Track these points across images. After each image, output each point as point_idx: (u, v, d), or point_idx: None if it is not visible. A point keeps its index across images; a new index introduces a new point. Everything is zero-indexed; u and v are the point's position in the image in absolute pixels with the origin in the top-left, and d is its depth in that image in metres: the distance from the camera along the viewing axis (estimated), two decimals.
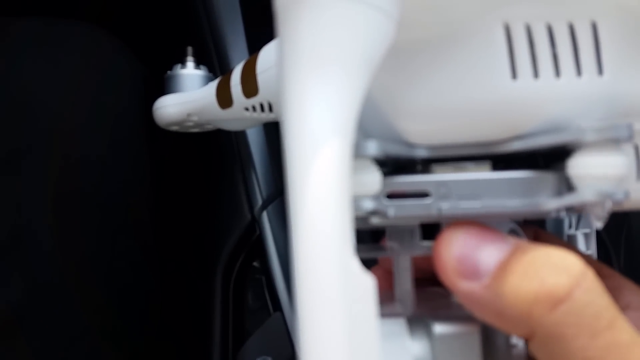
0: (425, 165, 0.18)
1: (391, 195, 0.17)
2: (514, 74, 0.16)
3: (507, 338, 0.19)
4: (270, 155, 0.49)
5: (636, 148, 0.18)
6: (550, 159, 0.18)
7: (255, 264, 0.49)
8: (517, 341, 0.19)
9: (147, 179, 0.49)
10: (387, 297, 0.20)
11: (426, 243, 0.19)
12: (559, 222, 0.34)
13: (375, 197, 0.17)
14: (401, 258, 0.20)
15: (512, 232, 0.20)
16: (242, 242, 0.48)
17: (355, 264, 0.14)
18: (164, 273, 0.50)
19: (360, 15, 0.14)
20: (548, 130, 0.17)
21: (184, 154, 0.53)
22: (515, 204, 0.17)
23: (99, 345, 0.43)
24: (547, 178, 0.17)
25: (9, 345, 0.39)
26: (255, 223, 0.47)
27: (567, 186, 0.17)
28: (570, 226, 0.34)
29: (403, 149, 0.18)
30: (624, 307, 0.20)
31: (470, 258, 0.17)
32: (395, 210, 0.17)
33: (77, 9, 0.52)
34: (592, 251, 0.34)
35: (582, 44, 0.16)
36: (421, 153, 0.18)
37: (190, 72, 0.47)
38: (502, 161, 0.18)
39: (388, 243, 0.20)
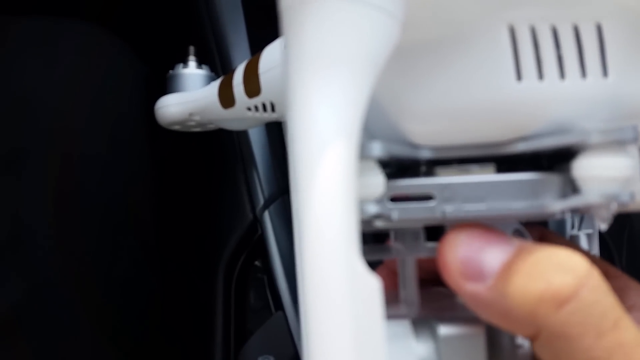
0: (429, 167, 0.18)
1: (395, 198, 0.17)
2: (518, 76, 0.16)
3: (512, 338, 0.19)
4: (272, 155, 0.49)
5: None
6: (554, 160, 0.18)
7: (257, 263, 0.49)
8: (523, 342, 0.19)
9: (148, 178, 0.49)
10: (392, 298, 0.20)
11: (431, 244, 0.19)
12: (561, 223, 0.33)
13: (379, 201, 0.17)
14: (406, 259, 0.20)
15: (517, 233, 0.20)
16: (244, 242, 0.48)
17: (361, 265, 0.14)
18: (165, 272, 0.50)
19: (365, 17, 0.14)
20: (553, 132, 0.17)
21: (185, 154, 0.53)
22: (520, 206, 0.17)
23: (100, 345, 0.43)
24: (551, 180, 0.17)
25: (8, 344, 0.39)
26: (257, 222, 0.47)
27: (572, 188, 0.17)
28: (572, 227, 0.34)
29: (407, 150, 0.18)
30: (629, 308, 0.20)
31: (475, 260, 0.17)
32: (399, 213, 0.17)
33: (78, 8, 0.52)
34: (595, 252, 0.34)
35: (587, 46, 0.16)
36: (425, 154, 0.18)
37: (192, 72, 0.47)
38: (506, 162, 0.18)
39: (393, 244, 0.20)
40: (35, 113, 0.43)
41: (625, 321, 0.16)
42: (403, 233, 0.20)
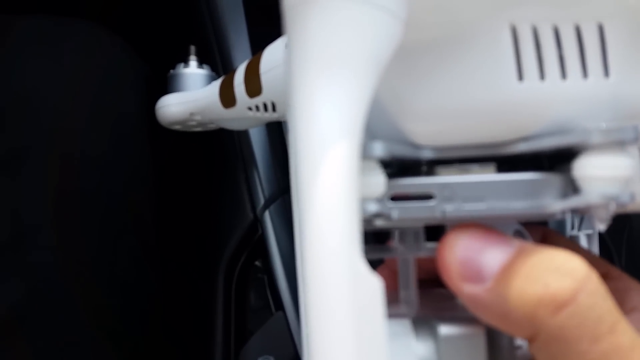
0: (429, 167, 0.18)
1: (395, 198, 0.17)
2: (520, 76, 0.16)
3: (511, 339, 0.19)
4: (273, 155, 0.49)
5: None
6: (555, 160, 0.18)
7: (257, 263, 0.49)
8: (522, 342, 0.19)
9: (149, 178, 0.49)
10: (392, 297, 0.20)
11: (431, 244, 0.19)
12: (561, 223, 0.34)
13: (379, 200, 0.17)
14: (406, 259, 0.20)
15: (517, 233, 0.20)
16: (244, 242, 0.48)
17: (362, 265, 0.14)
18: (165, 272, 0.50)
19: (368, 17, 0.14)
20: (554, 132, 0.17)
21: (186, 153, 0.53)
22: (520, 206, 0.17)
23: (100, 345, 0.43)
24: (552, 180, 0.17)
25: (8, 344, 0.39)
26: (258, 222, 0.47)
27: (572, 188, 0.17)
28: (572, 227, 0.34)
29: (408, 150, 0.18)
30: (630, 309, 0.20)
31: (474, 261, 0.17)
32: (399, 212, 0.17)
33: (79, 7, 0.52)
34: (595, 252, 0.34)
35: (589, 46, 0.16)
36: (427, 154, 0.18)
37: (193, 71, 0.47)
38: (507, 163, 0.18)
39: (393, 244, 0.20)
40: (36, 112, 0.43)
41: (622, 325, 0.16)
42: (403, 233, 0.20)
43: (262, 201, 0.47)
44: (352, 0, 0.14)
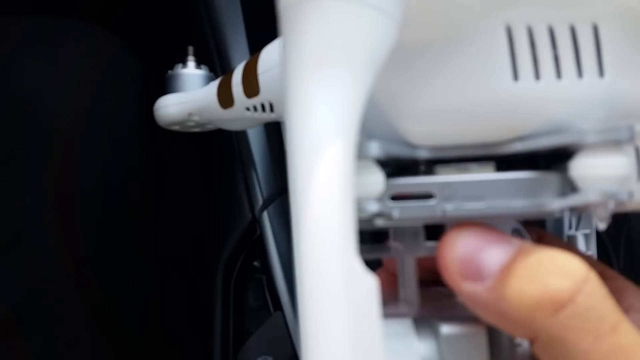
0: (428, 166, 0.18)
1: (395, 197, 0.17)
2: (515, 76, 0.16)
3: (511, 337, 0.19)
4: (271, 155, 0.49)
5: (637, 149, 0.18)
6: (551, 160, 0.18)
7: (255, 263, 0.49)
8: (522, 340, 0.19)
9: (147, 178, 0.49)
10: (391, 297, 0.20)
11: (430, 243, 0.19)
12: (558, 223, 0.34)
13: (380, 199, 0.17)
14: (405, 259, 0.20)
15: (516, 232, 0.20)
16: (243, 242, 0.48)
17: (358, 264, 0.14)
18: (164, 272, 0.50)
19: (363, 17, 0.14)
20: (549, 132, 0.17)
21: (184, 154, 0.53)
22: (520, 205, 0.17)
23: (99, 344, 0.43)
24: (550, 178, 0.17)
25: (8, 344, 0.39)
26: (256, 223, 0.47)
27: (571, 186, 0.17)
28: (570, 227, 0.34)
29: (405, 149, 0.18)
30: (626, 309, 0.20)
31: (474, 260, 0.17)
32: (400, 212, 0.17)
33: (77, 8, 0.52)
34: (592, 252, 0.34)
35: (583, 46, 0.16)
36: (423, 154, 0.18)
37: (191, 72, 0.47)
38: (503, 162, 0.18)
39: (392, 244, 0.20)
40: (35, 113, 0.43)
41: (624, 324, 0.16)
42: (402, 232, 0.20)
43: (260, 201, 0.47)
44: (347, 0, 0.14)
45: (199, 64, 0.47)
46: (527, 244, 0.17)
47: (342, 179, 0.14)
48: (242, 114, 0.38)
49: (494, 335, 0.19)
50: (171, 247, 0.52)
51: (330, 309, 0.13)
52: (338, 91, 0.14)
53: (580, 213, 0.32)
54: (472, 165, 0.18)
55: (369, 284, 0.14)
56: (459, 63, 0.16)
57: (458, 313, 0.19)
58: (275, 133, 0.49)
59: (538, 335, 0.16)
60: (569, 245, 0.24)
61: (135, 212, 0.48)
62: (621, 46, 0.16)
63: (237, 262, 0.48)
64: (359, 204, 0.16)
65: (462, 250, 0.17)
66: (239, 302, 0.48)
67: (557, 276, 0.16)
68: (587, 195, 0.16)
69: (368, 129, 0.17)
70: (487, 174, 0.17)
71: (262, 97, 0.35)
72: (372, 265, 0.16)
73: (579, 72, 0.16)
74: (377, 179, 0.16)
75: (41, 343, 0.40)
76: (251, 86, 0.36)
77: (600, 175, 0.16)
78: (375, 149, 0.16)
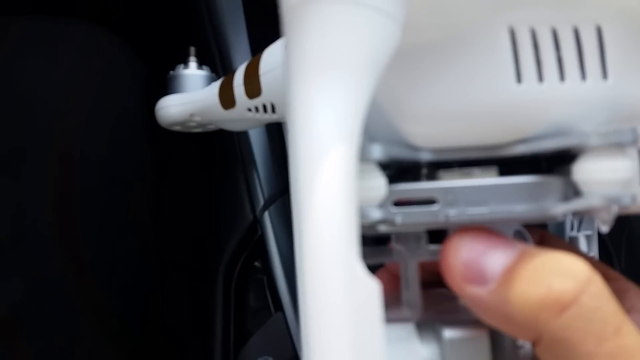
0: (430, 170, 0.18)
1: (398, 203, 0.17)
2: (518, 78, 0.16)
3: (513, 339, 0.19)
4: (273, 156, 0.49)
5: None
6: (554, 162, 0.18)
7: (256, 264, 0.49)
8: (524, 342, 0.19)
9: (148, 179, 0.49)
10: (394, 301, 0.20)
11: (433, 247, 0.19)
12: (560, 225, 0.34)
13: (382, 205, 0.17)
14: (408, 263, 0.20)
15: (518, 234, 0.20)
16: (244, 243, 0.48)
17: (360, 268, 0.14)
18: (165, 273, 0.50)
19: (366, 19, 0.14)
20: (552, 134, 0.17)
21: (186, 154, 0.53)
22: (523, 209, 0.17)
23: (99, 345, 0.43)
24: (553, 182, 0.17)
25: (8, 344, 0.39)
26: (257, 223, 0.47)
27: (573, 190, 0.17)
28: (572, 228, 0.34)
29: (407, 152, 0.18)
30: (628, 310, 0.20)
31: (477, 263, 0.17)
32: (402, 217, 0.17)
33: (78, 8, 0.52)
34: (594, 253, 0.34)
35: (587, 48, 0.16)
36: (425, 156, 0.18)
37: (192, 73, 0.47)
38: (505, 165, 0.18)
39: (395, 247, 0.20)
40: (35, 113, 0.43)
41: (627, 326, 0.16)
42: (405, 236, 0.20)
43: (261, 202, 0.47)
44: (350, 3, 0.14)
45: (200, 64, 0.47)
46: (530, 247, 0.17)
47: (344, 182, 0.13)
48: (243, 114, 0.38)
49: (496, 338, 0.19)
50: (172, 248, 0.52)
51: (332, 313, 0.13)
52: (341, 94, 0.14)
53: (583, 216, 0.32)
54: (475, 170, 0.18)
55: (371, 288, 0.14)
56: (462, 65, 0.16)
57: (461, 316, 0.19)
58: (276, 134, 0.49)
59: (541, 337, 0.16)
60: (572, 247, 0.24)
61: (136, 212, 0.48)
62: (624, 48, 0.16)
63: (238, 262, 0.48)
64: (362, 210, 0.16)
65: (464, 254, 0.17)
66: (239, 302, 0.48)
67: (561, 278, 0.16)
68: (590, 200, 0.16)
69: (370, 131, 0.17)
70: (490, 179, 0.17)
71: (264, 98, 0.35)
72: (374, 265, 0.16)
73: (582, 74, 0.16)
74: (379, 184, 0.16)
75: (41, 343, 0.40)
76: (253, 87, 0.36)
77: (603, 179, 0.16)
78: (377, 151, 0.16)
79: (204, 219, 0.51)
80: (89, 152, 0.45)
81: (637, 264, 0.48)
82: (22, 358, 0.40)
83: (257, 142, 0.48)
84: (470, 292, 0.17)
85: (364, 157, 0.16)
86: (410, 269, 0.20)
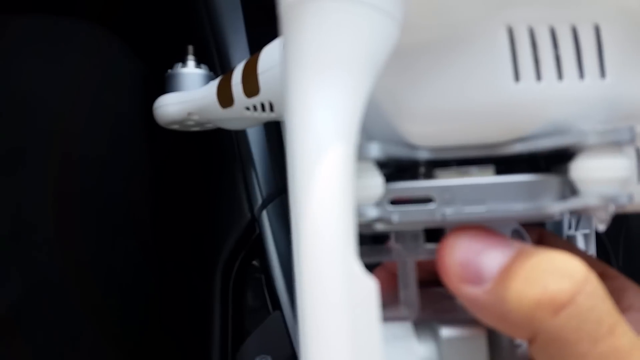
0: (428, 169, 0.18)
1: (395, 201, 0.17)
2: (516, 77, 0.16)
3: (511, 339, 0.19)
4: (271, 155, 0.49)
5: (637, 151, 0.18)
6: (552, 161, 0.18)
7: (254, 262, 0.49)
8: (521, 341, 0.19)
9: (147, 177, 0.49)
10: (391, 299, 0.20)
11: (430, 246, 0.19)
12: (558, 223, 0.34)
13: (379, 204, 0.17)
14: (406, 262, 0.20)
15: (516, 233, 0.20)
16: (242, 241, 0.48)
17: (357, 266, 0.14)
18: (163, 272, 0.50)
19: (364, 18, 0.14)
20: (550, 133, 0.17)
21: (184, 153, 0.53)
22: (520, 208, 0.17)
23: (98, 343, 0.43)
24: (550, 181, 0.17)
25: (7, 343, 0.39)
26: (255, 222, 0.47)
27: (571, 189, 0.17)
28: (569, 227, 0.34)
29: (405, 150, 0.18)
30: (626, 309, 0.20)
31: (473, 263, 0.17)
32: (399, 216, 0.17)
33: (77, 8, 0.52)
34: (592, 252, 0.34)
35: (585, 47, 0.16)
36: (423, 155, 0.18)
37: (191, 71, 0.47)
38: (504, 163, 0.18)
39: (392, 246, 0.20)
40: (34, 112, 0.43)
41: (622, 327, 0.16)
42: (402, 234, 0.20)
43: (259, 201, 0.47)
44: (348, 1, 0.14)
45: (198, 63, 0.47)
46: (527, 246, 0.17)
47: (342, 181, 0.13)
48: (241, 113, 0.38)
49: (493, 337, 0.19)
50: (170, 246, 0.52)
51: (329, 312, 0.13)
52: (338, 93, 0.14)
53: (581, 215, 0.32)
54: (472, 169, 0.18)
55: (369, 286, 0.14)
56: (460, 64, 0.16)
57: (458, 315, 0.19)
58: (274, 132, 0.49)
59: (536, 337, 0.16)
60: (570, 245, 0.24)
61: (135, 211, 0.48)
62: (622, 47, 0.16)
63: (236, 261, 0.48)
64: (359, 209, 0.16)
65: (461, 254, 0.17)
66: (237, 301, 0.48)
67: (557, 277, 0.16)
68: (587, 199, 0.16)
69: (368, 130, 0.17)
70: (487, 178, 0.17)
71: (262, 97, 0.35)
72: (371, 264, 0.16)
73: (580, 73, 0.16)
74: (376, 182, 0.16)
75: (40, 342, 0.40)
76: (251, 86, 0.36)
77: (600, 177, 0.16)
78: (375, 150, 0.16)
79: (202, 217, 0.51)
80: (87, 151, 0.44)
81: (634, 262, 0.48)
82: (21, 357, 0.40)
83: (255, 141, 0.48)
84: (466, 291, 0.17)
85: (361, 155, 0.16)
86: (407, 267, 0.20)
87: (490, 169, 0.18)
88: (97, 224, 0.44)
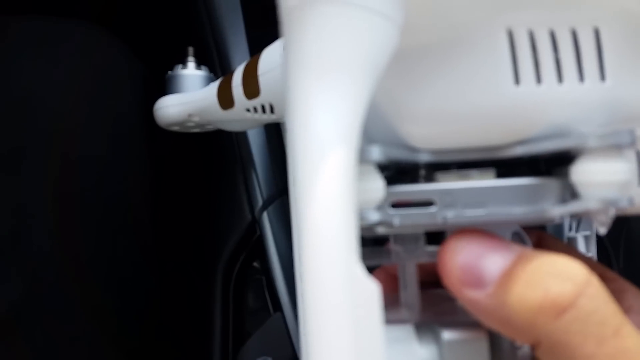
0: (428, 172, 0.18)
1: (396, 204, 0.17)
2: (516, 80, 0.16)
3: (512, 342, 0.19)
4: (271, 156, 0.49)
5: (638, 154, 0.18)
6: (552, 164, 0.18)
7: (255, 264, 0.49)
8: (523, 344, 0.19)
9: (147, 179, 0.49)
10: (392, 302, 0.20)
11: (431, 248, 0.19)
12: (559, 225, 0.34)
13: (380, 207, 0.17)
14: (407, 264, 0.20)
15: (516, 236, 0.20)
16: (243, 243, 0.48)
17: (360, 269, 0.14)
18: (163, 273, 0.50)
19: (365, 22, 0.14)
20: (550, 136, 0.17)
21: (184, 155, 0.53)
22: (520, 211, 0.17)
23: (98, 345, 0.43)
24: (551, 184, 0.17)
25: (7, 343, 0.39)
26: (256, 224, 0.47)
27: (571, 192, 0.17)
28: (570, 229, 0.34)
29: (406, 153, 0.18)
30: (625, 310, 0.20)
31: (475, 267, 0.17)
32: (400, 219, 0.17)
33: (77, 9, 0.52)
34: (592, 254, 0.34)
35: (585, 50, 0.16)
36: (424, 157, 0.18)
37: (191, 73, 0.47)
38: (504, 166, 0.18)
39: (393, 249, 0.20)
40: (34, 113, 0.43)
41: (627, 327, 0.16)
42: (403, 237, 0.20)
43: (260, 202, 0.47)
44: (349, 5, 0.14)
45: (199, 64, 0.47)
46: (528, 250, 0.17)
47: (344, 184, 0.13)
48: (242, 115, 0.38)
49: (495, 340, 0.19)
50: (171, 248, 0.52)
51: (332, 314, 0.13)
52: (340, 96, 0.14)
53: (581, 218, 0.32)
54: (473, 172, 0.18)
55: (371, 289, 0.14)
56: (460, 67, 0.16)
57: (459, 317, 0.19)
58: (275, 134, 0.49)
59: (540, 341, 0.16)
60: (570, 248, 0.24)
61: (135, 212, 0.48)
62: (622, 50, 0.16)
63: (237, 262, 0.48)
64: (360, 213, 0.16)
65: (462, 258, 0.17)
66: (238, 302, 0.48)
67: (559, 280, 0.16)
68: (588, 203, 0.16)
69: (369, 133, 0.17)
70: (488, 181, 0.17)
71: (263, 99, 0.35)
72: (371, 266, 0.16)
73: (580, 76, 0.16)
74: (377, 185, 0.16)
75: (40, 342, 0.40)
76: (251, 87, 0.36)
77: (600, 180, 0.16)
78: (376, 152, 0.16)
79: (203, 219, 0.51)
80: (87, 152, 0.44)
81: (635, 264, 0.48)
82: (20, 357, 0.40)
83: (256, 143, 0.48)
84: (468, 295, 0.17)
85: (362, 158, 0.16)
86: (408, 270, 0.20)
87: (491, 172, 0.18)
88: (97, 225, 0.44)
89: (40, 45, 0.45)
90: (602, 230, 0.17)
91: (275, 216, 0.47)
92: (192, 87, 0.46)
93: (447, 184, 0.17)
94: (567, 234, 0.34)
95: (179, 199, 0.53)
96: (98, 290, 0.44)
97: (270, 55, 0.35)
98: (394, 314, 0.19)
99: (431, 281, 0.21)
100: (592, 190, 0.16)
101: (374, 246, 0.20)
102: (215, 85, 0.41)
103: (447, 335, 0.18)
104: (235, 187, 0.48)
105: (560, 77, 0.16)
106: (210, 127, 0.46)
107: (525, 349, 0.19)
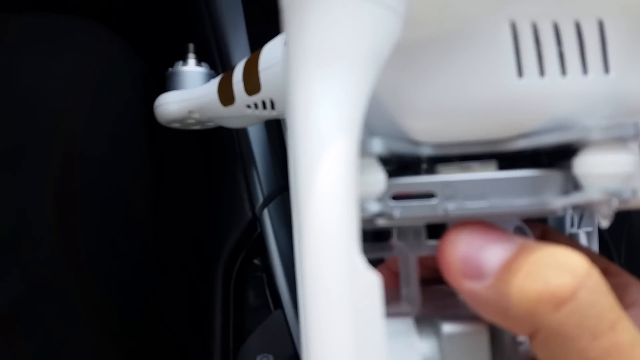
0: (430, 165, 0.18)
1: (396, 196, 0.17)
2: (520, 72, 0.16)
3: (513, 335, 0.19)
4: (272, 153, 0.49)
5: None
6: (555, 157, 0.18)
7: (256, 261, 0.49)
8: (524, 338, 0.19)
9: (147, 176, 0.49)
10: (393, 296, 0.20)
11: (432, 242, 0.19)
12: (560, 221, 0.34)
13: (381, 199, 0.17)
14: (408, 258, 0.20)
15: (518, 230, 0.20)
16: (243, 240, 0.48)
17: (361, 261, 0.14)
18: (164, 270, 0.50)
19: (367, 12, 0.14)
20: (554, 129, 0.17)
21: (185, 152, 0.53)
22: (522, 203, 0.17)
23: (98, 342, 0.43)
24: (553, 176, 0.17)
25: (7, 341, 0.39)
26: (257, 221, 0.47)
27: (574, 184, 0.17)
28: (572, 225, 0.34)
29: (408, 146, 0.18)
30: (629, 305, 0.20)
31: (475, 258, 0.17)
32: (401, 211, 0.17)
33: (77, 6, 0.52)
34: (594, 249, 0.34)
35: (589, 42, 0.16)
36: (426, 151, 0.18)
37: (191, 69, 0.46)
38: (507, 160, 0.18)
39: (394, 243, 0.20)
40: (34, 111, 0.43)
41: (623, 322, 0.16)
42: (404, 231, 0.20)
43: (260, 199, 0.47)
44: None
45: (199, 61, 0.47)
46: (528, 241, 0.17)
47: (345, 176, 0.13)
48: (242, 111, 0.38)
49: (495, 334, 0.19)
50: (171, 245, 0.52)
51: (332, 306, 0.13)
52: (341, 87, 0.14)
53: (583, 211, 0.32)
54: (474, 164, 0.18)
55: (372, 281, 0.14)
56: (463, 59, 0.16)
57: (460, 311, 0.19)
58: (276, 130, 0.49)
59: (537, 332, 0.16)
60: (572, 241, 0.24)
61: (135, 209, 0.48)
62: (626, 42, 0.16)
63: (238, 260, 0.48)
64: (360, 204, 0.16)
65: (462, 250, 0.17)
66: (239, 300, 0.48)
67: (559, 272, 0.15)
68: (590, 194, 0.16)
69: (371, 126, 0.17)
70: (489, 173, 0.17)
71: (263, 95, 0.35)
72: (373, 262, 0.16)
73: (584, 68, 0.16)
74: (378, 178, 0.16)
75: (40, 341, 0.40)
76: (252, 83, 0.36)
77: (604, 172, 0.16)
78: (378, 145, 0.16)
79: (203, 216, 0.51)
80: (88, 150, 0.44)
81: (637, 260, 0.48)
82: (20, 356, 0.40)
83: (256, 139, 0.48)
84: (467, 287, 0.17)
85: (364, 151, 0.16)
86: (409, 263, 0.20)
87: (493, 164, 0.18)
88: (97, 223, 0.44)
89: (40, 43, 0.45)
90: (605, 223, 0.17)
91: (276, 213, 0.47)
92: (193, 83, 0.46)
93: (448, 175, 0.17)
94: (569, 230, 0.34)
95: (179, 196, 0.53)
96: (98, 288, 0.44)
97: (270, 51, 0.35)
98: (394, 307, 0.19)
99: (432, 278, 0.21)
100: (595, 182, 0.16)
101: (375, 241, 0.20)
102: (215, 81, 0.41)
103: (447, 328, 0.18)
104: (235, 184, 0.48)
105: (563, 69, 0.16)
106: (210, 124, 0.45)
107: (527, 345, 0.19)
